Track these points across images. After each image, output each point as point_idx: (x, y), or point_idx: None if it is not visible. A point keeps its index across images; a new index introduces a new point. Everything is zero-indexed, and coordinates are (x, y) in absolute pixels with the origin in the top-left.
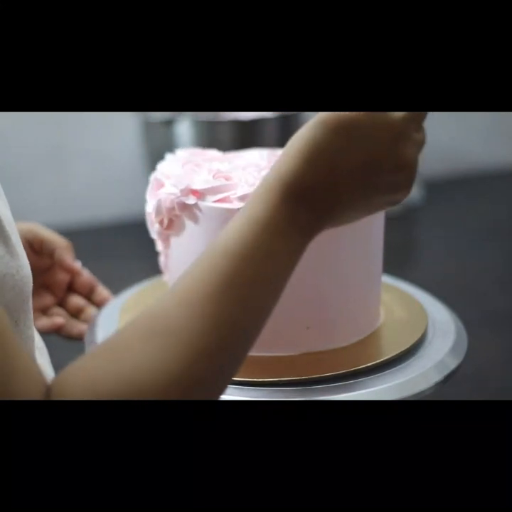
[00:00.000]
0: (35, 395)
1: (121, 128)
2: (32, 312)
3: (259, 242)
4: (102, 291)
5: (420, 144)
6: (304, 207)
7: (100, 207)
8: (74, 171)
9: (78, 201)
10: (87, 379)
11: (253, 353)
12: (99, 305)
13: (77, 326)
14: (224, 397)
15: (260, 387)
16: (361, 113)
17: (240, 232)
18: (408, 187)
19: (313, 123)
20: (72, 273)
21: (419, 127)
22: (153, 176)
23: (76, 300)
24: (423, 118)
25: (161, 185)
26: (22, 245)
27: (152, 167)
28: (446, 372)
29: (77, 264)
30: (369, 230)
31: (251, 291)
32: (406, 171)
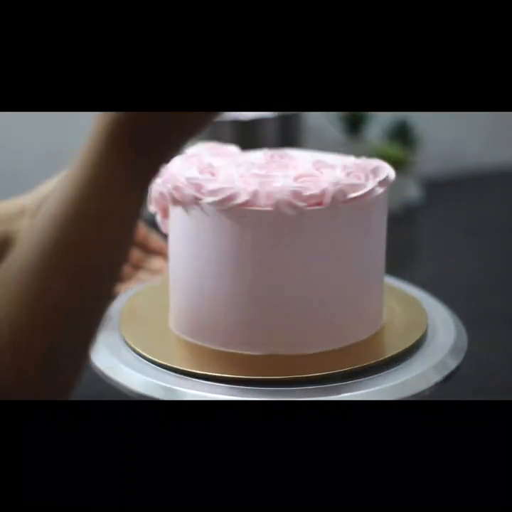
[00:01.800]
0: None
1: None
2: None
3: (84, 201)
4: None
5: None
6: (132, 146)
7: None
8: None
9: None
10: None
11: (250, 351)
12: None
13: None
14: (221, 397)
15: (257, 386)
16: None
17: (65, 191)
18: None
19: None
20: None
21: None
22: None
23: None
24: None
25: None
26: None
27: None
28: (446, 372)
29: None
30: (371, 231)
31: (78, 253)
32: None
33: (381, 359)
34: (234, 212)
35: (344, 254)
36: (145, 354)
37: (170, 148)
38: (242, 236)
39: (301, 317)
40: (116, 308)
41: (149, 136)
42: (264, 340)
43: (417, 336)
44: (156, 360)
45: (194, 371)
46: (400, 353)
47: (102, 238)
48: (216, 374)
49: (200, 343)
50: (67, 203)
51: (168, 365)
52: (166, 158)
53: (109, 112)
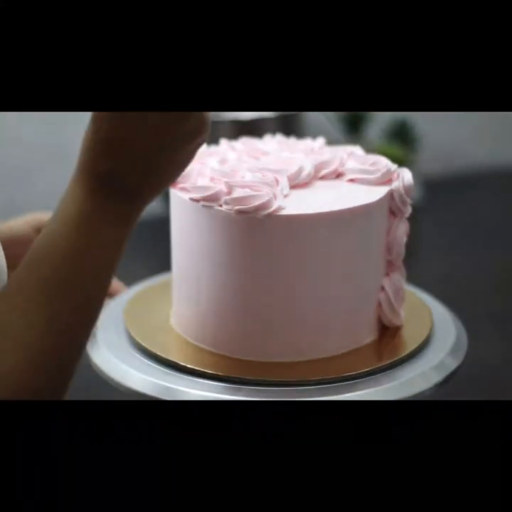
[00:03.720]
0: None
1: None
2: None
3: (72, 239)
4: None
5: None
6: (111, 195)
7: None
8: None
9: None
10: None
11: (248, 357)
12: (111, 294)
13: None
14: (221, 397)
15: (257, 387)
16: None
17: (54, 231)
18: (205, 126)
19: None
20: None
21: None
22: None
23: None
24: None
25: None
26: None
27: None
28: (446, 372)
29: None
30: (372, 236)
31: (72, 287)
32: (192, 119)
33: (382, 362)
34: (233, 215)
35: (344, 260)
36: (146, 346)
37: (143, 197)
38: (241, 240)
39: (301, 324)
40: (119, 305)
41: (123, 185)
42: (263, 346)
43: (422, 338)
44: (158, 353)
45: (194, 368)
46: (403, 355)
47: (90, 270)
48: (215, 372)
49: (201, 346)
50: (57, 244)
51: (167, 358)
52: (141, 204)
53: (84, 160)
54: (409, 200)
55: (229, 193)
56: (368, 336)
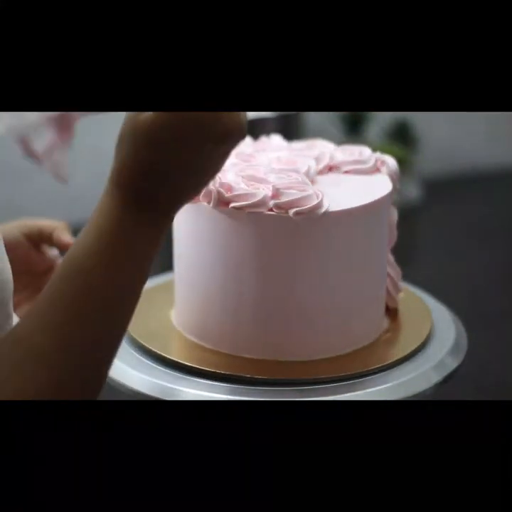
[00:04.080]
0: None
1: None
2: (12, 317)
3: (107, 252)
4: None
5: None
6: (143, 207)
7: None
8: (73, 170)
9: (78, 201)
10: None
11: (251, 355)
12: None
13: None
14: (221, 397)
15: (258, 386)
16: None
17: (86, 242)
18: (233, 130)
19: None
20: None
21: None
22: None
23: None
24: None
25: None
26: (3, 248)
27: None
28: (446, 372)
29: None
30: (376, 235)
31: (107, 298)
32: (217, 124)
33: (384, 363)
34: (240, 214)
35: (350, 259)
36: (146, 345)
37: (173, 205)
38: (248, 239)
39: (304, 324)
40: None
41: (155, 197)
42: (267, 345)
43: (422, 338)
44: (158, 352)
45: (194, 366)
46: (403, 356)
47: (116, 282)
48: (215, 370)
49: (203, 344)
50: (90, 255)
51: (168, 357)
52: (171, 213)
53: (121, 176)
54: (398, 185)
55: (275, 196)
56: (370, 335)
